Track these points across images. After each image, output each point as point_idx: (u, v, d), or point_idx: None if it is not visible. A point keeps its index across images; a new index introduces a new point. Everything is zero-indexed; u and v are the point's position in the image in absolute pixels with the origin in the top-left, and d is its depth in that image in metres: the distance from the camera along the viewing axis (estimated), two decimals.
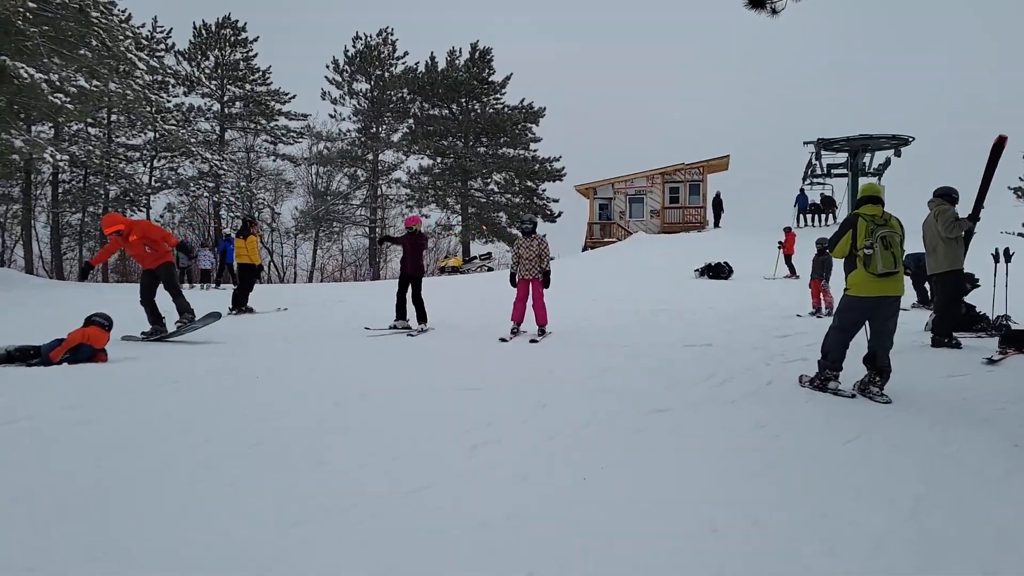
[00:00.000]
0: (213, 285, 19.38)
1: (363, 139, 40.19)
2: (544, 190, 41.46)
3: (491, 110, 40.43)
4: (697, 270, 18.43)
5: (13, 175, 29.24)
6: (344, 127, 40.62)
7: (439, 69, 39.85)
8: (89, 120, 31.00)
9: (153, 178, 36.12)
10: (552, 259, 9.63)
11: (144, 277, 8.71)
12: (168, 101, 33.91)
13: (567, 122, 67.75)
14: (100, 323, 7.07)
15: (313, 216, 39.29)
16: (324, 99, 40.22)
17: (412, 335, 9.14)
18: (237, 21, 38.11)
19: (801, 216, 27.60)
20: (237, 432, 4.22)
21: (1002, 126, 8.73)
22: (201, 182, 36.42)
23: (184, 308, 8.63)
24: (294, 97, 39.57)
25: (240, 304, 12.19)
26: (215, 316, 8.97)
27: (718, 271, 18.08)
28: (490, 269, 31.79)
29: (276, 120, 39.34)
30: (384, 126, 40.60)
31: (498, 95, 40.68)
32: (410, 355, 7.49)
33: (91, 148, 28.34)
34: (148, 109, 27.83)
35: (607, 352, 7.44)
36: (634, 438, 4.13)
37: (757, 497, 3.14)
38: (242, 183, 37.68)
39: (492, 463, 3.67)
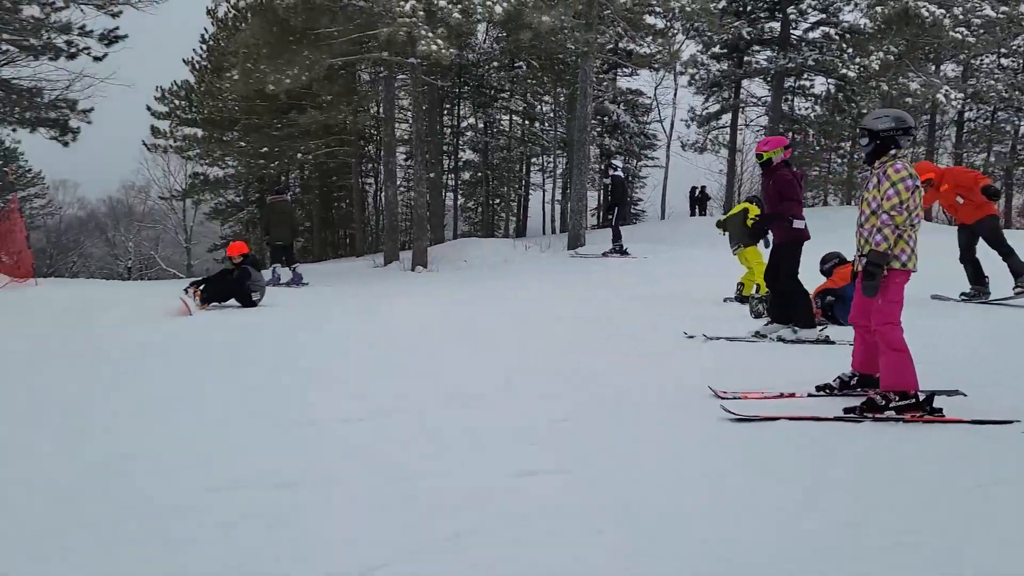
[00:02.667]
0: None
1: None
2: None
3: None
4: None
5: (916, 117, 33.13)
6: None
7: None
8: (1003, 50, 31.74)
9: None
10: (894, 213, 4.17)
11: (961, 234, 8.44)
12: None
13: None
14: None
15: None
16: None
17: None
18: None
19: None
20: None
21: None
22: None
23: (1020, 270, 7.99)
24: None
25: None
26: None
27: None
28: None
29: None
30: None
31: None
32: None
33: (993, 82, 29.48)
34: None
35: None
36: None
37: None
38: None
39: None
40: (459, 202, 36.19)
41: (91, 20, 20.15)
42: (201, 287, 10.28)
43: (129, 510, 3.09)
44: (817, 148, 33.28)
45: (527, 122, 34.05)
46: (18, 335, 8.25)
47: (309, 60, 16.62)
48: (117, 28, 19.69)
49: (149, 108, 35.20)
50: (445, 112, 32.65)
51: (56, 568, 2.61)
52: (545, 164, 36.65)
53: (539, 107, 34.27)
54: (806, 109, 31.18)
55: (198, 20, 32.17)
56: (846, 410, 4.16)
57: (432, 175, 23.08)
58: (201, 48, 33.14)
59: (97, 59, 19.68)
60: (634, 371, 5.50)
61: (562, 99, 32.44)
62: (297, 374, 5.81)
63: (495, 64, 31.10)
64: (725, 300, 9.51)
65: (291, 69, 16.55)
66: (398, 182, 24.52)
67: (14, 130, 21.83)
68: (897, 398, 4.04)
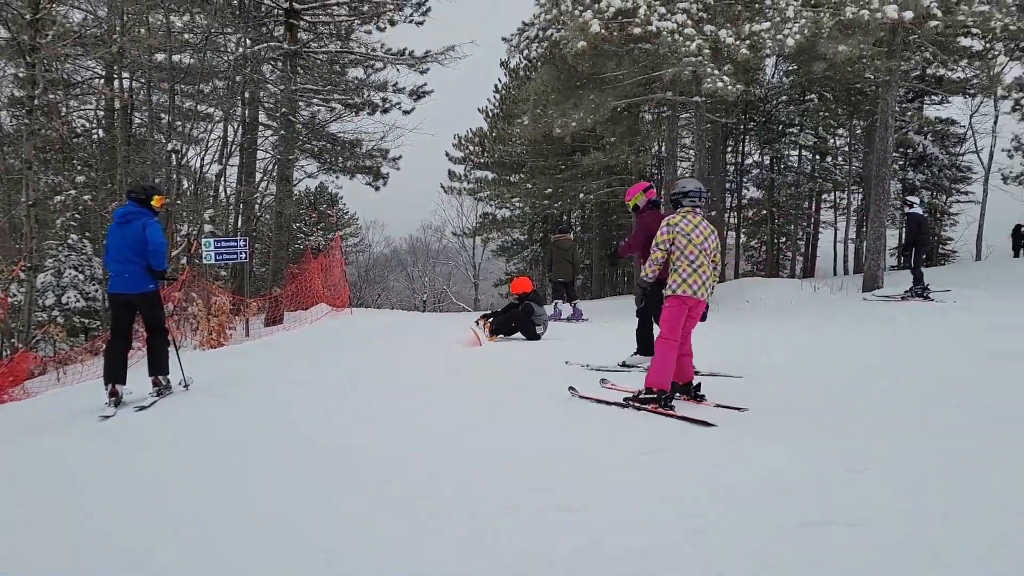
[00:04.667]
0: None
1: None
2: None
3: None
4: None
5: None
6: None
7: None
8: None
9: None
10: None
11: None
12: None
13: None
14: None
15: None
16: None
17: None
18: None
19: None
20: None
21: None
22: None
23: None
24: None
25: None
26: None
27: None
28: None
29: None
30: None
31: None
32: None
33: None
34: None
35: None
36: None
37: None
38: None
39: None
40: (742, 241, 35.16)
41: (403, 77, 22.62)
42: (490, 319, 11.03)
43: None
44: None
45: (818, 157, 32.30)
46: (336, 355, 9.42)
47: (595, 104, 17.25)
48: (424, 84, 22.01)
49: (447, 154, 38.72)
50: (729, 149, 32.05)
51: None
52: (837, 200, 34.49)
53: (832, 141, 32.39)
54: None
55: (492, 72, 34.91)
56: (625, 399, 5.76)
57: (714, 213, 22.70)
58: (494, 97, 35.85)
59: (406, 112, 22.11)
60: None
61: (858, 131, 30.44)
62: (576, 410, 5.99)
63: (784, 98, 30.00)
64: None
65: (577, 113, 17.29)
66: None
67: (337, 177, 25.18)
68: (644, 392, 5.58)
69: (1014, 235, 27.59)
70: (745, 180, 33.38)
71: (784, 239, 34.58)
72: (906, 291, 14.84)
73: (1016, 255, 26.88)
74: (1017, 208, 29.82)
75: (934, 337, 9.37)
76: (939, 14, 14.07)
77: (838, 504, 3.50)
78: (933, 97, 29.20)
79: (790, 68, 26.90)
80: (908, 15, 13.58)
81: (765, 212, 33.13)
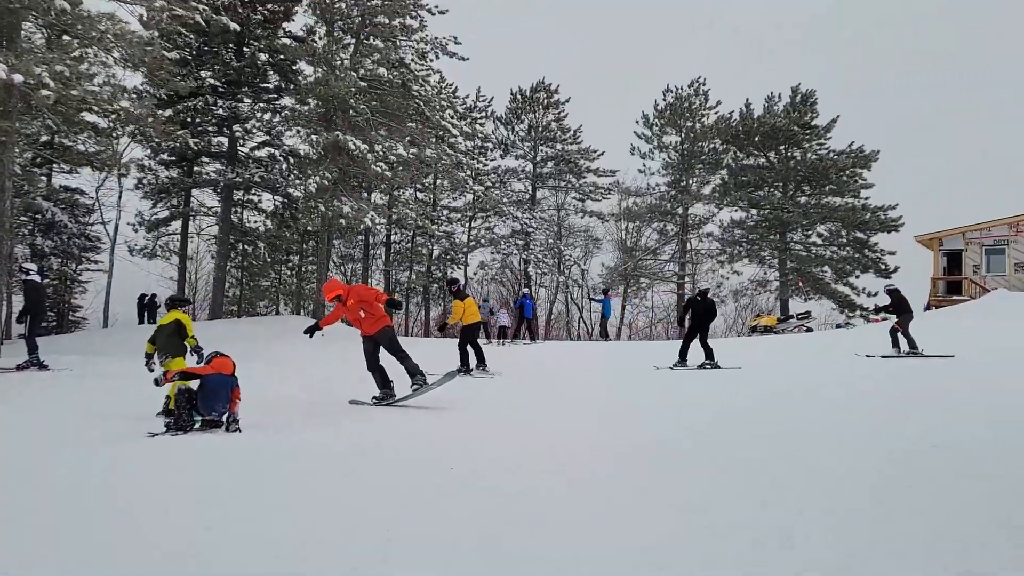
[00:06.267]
0: (509, 341, 22.24)
1: (672, 192, 40.67)
2: (876, 243, 38.20)
3: (814, 156, 38.62)
4: None
5: (352, 238, 37.77)
6: (653, 181, 41.85)
7: (755, 116, 39.27)
8: (419, 186, 37.94)
9: (470, 237, 41.12)
10: None
11: (366, 344, 9.28)
12: (486, 164, 39.31)
13: (904, 166, 59.90)
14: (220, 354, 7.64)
15: (620, 272, 40.98)
16: (633, 154, 41.61)
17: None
18: (551, 84, 41.78)
19: None
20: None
21: None
22: (512, 240, 40.74)
23: (414, 371, 8.93)
24: (603, 154, 41.97)
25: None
26: (451, 375, 9.39)
27: None
28: (809, 330, 30.42)
29: (585, 177, 42.07)
30: (695, 178, 40.65)
31: (822, 140, 38.91)
32: None
33: (408, 211, 34.73)
34: (465, 173, 33.23)
35: None
36: None
37: None
38: (551, 240, 41.84)
39: None
40: None
41: None
42: None
43: None
44: (268, 260, 34.52)
45: None
46: None
47: None
48: None
49: None
50: None
51: None
52: None
53: None
54: (256, 223, 32.33)
55: None
56: None
57: None
58: None
59: None
60: None
61: None
62: None
63: None
64: (157, 415, 8.83)
65: None
66: None
67: None
68: None
69: (139, 303, 29.46)
70: None
71: None
72: (23, 361, 14.05)
73: (141, 322, 28.69)
74: (143, 278, 32.06)
75: (50, 407, 9.29)
76: (52, 84, 14.10)
77: None
78: (64, 165, 29.15)
79: None
80: (18, 78, 13.27)
81: None
